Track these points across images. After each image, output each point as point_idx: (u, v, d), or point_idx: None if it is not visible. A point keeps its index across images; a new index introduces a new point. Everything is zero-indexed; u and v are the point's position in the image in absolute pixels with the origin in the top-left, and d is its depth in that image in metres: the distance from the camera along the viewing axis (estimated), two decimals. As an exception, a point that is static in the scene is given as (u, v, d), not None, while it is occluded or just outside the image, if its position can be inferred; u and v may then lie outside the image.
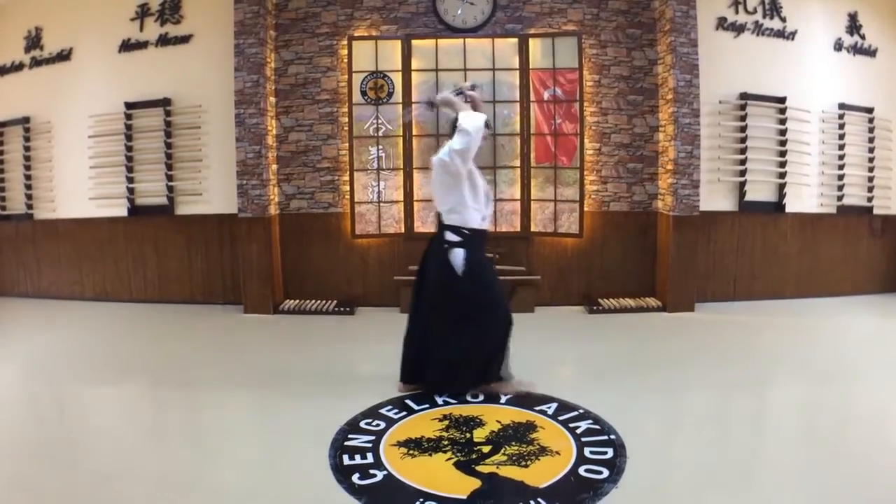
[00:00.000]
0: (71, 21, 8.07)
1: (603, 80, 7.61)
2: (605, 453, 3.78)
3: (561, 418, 4.33)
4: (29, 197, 8.35)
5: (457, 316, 4.62)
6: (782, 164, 7.70)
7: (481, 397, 4.73)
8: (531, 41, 7.55)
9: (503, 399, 4.68)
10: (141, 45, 7.88)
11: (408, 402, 4.65)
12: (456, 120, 4.60)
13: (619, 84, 7.61)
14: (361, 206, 7.69)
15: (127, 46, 7.90)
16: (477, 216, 4.66)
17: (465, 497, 3.30)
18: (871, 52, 8.07)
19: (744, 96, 7.59)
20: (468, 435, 4.08)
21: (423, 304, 4.80)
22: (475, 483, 3.44)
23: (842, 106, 7.92)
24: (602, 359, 5.81)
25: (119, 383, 5.30)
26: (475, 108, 4.76)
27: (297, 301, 7.75)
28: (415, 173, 7.63)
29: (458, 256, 4.57)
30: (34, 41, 8.26)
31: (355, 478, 3.51)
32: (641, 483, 3.45)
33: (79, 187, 8.09)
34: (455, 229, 4.62)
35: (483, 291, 4.67)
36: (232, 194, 7.57)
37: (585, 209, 7.56)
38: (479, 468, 3.62)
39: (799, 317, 7.24)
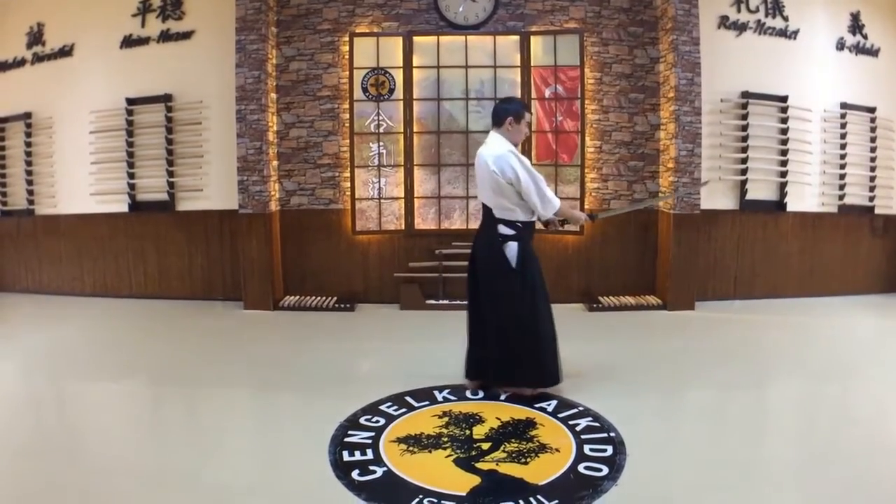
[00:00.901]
0: (72, 17, 8.06)
1: (604, 77, 7.60)
2: (605, 451, 3.79)
3: (561, 416, 4.33)
4: (30, 193, 8.34)
5: (513, 308, 4.60)
6: (783, 163, 7.69)
7: (481, 394, 4.74)
8: (533, 38, 7.54)
9: (503, 396, 4.68)
10: (142, 41, 7.88)
11: (407, 398, 4.66)
12: (502, 108, 4.69)
13: (620, 82, 7.61)
14: (362, 203, 7.69)
15: (128, 42, 7.89)
16: (527, 210, 4.65)
17: (464, 494, 3.31)
18: (873, 52, 8.06)
19: (745, 95, 7.57)
20: (468, 432, 4.09)
21: (481, 301, 4.75)
22: (475, 480, 3.45)
23: (843, 105, 7.90)
24: (602, 356, 5.81)
25: (118, 379, 5.30)
26: (574, 221, 5.05)
27: (298, 297, 7.75)
28: (415, 170, 7.63)
29: (512, 249, 4.58)
30: (36, 37, 8.25)
31: (355, 474, 3.52)
32: (641, 480, 3.46)
33: (80, 183, 8.09)
34: (509, 223, 4.61)
35: (537, 282, 4.67)
36: (232, 190, 7.56)
37: (586, 207, 7.55)
38: (479, 465, 3.63)
39: (799, 316, 7.24)
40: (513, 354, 4.63)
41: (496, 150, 4.56)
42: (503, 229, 4.61)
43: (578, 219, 5.04)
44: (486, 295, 4.70)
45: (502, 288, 4.62)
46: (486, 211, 4.72)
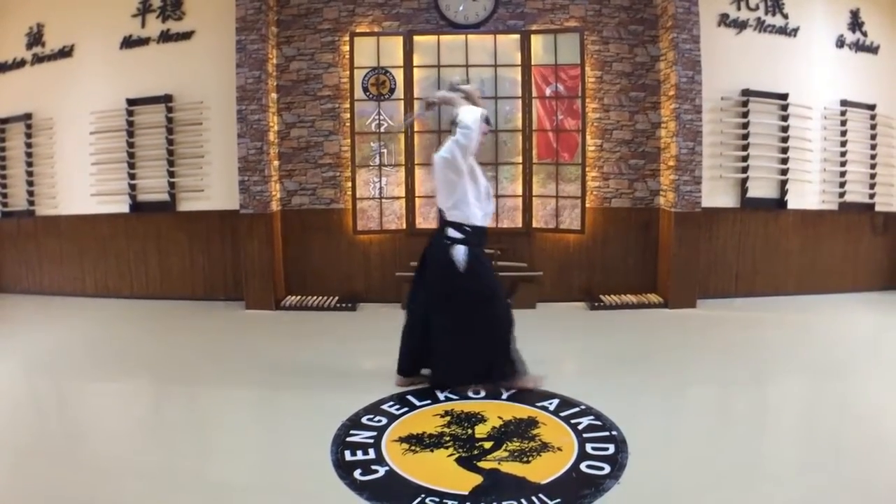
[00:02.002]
0: (72, 18, 8.06)
1: (605, 76, 7.60)
2: (607, 449, 3.79)
3: (562, 414, 4.33)
4: (31, 193, 8.34)
5: (459, 311, 4.66)
6: (784, 161, 7.69)
7: (483, 393, 4.74)
8: (533, 37, 7.54)
9: (505, 395, 4.69)
10: (142, 42, 7.87)
11: (409, 398, 4.66)
12: (456, 116, 4.65)
13: (621, 80, 7.61)
14: (363, 202, 7.69)
15: (128, 43, 7.89)
16: (479, 213, 4.71)
17: (466, 493, 3.31)
18: (873, 49, 8.06)
19: (746, 93, 7.57)
20: (470, 431, 4.09)
21: (423, 299, 4.83)
22: (477, 479, 3.45)
23: (844, 103, 7.90)
24: (603, 355, 5.82)
25: (120, 379, 5.31)
26: (473, 103, 4.78)
27: (299, 297, 7.75)
28: (416, 169, 7.63)
29: (459, 253, 4.60)
30: (36, 38, 8.25)
31: (357, 474, 3.52)
32: (643, 479, 3.46)
33: (80, 184, 8.09)
34: (457, 226, 4.66)
35: (485, 286, 4.74)
36: (233, 191, 7.57)
37: (587, 205, 7.56)
38: (481, 464, 3.63)
39: (800, 313, 7.24)
40: (455, 354, 4.73)
41: (437, 153, 4.66)
42: (452, 233, 4.67)
43: (451, 98, 4.84)
44: (432, 296, 4.76)
45: (446, 290, 4.68)
46: (439, 214, 4.81)
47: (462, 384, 4.78)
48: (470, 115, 4.56)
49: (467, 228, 4.66)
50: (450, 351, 4.72)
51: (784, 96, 7.65)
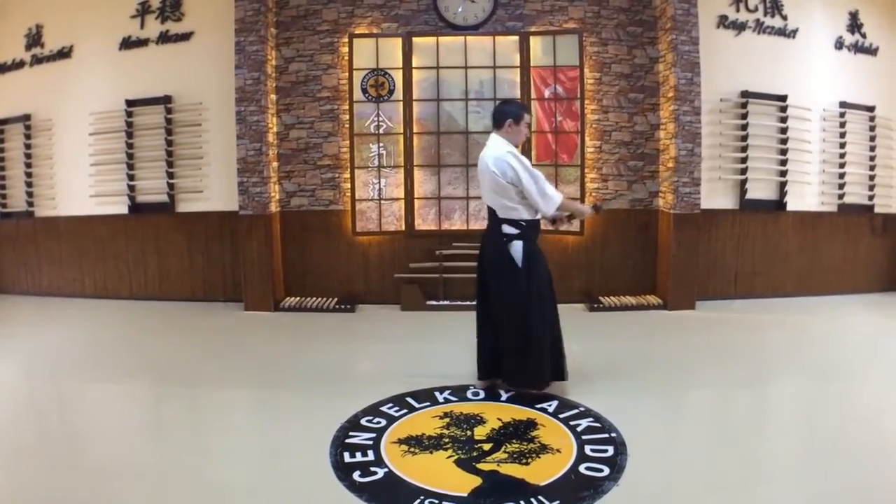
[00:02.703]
0: (71, 19, 8.06)
1: (604, 77, 7.60)
2: (606, 451, 3.79)
3: (561, 416, 4.34)
4: (30, 195, 8.34)
5: (523, 305, 4.62)
6: (783, 163, 7.69)
7: (482, 395, 4.74)
8: (532, 39, 7.54)
9: (504, 396, 4.69)
10: (142, 43, 7.87)
11: (408, 399, 4.66)
12: (502, 109, 4.76)
13: (619, 82, 7.61)
14: (362, 204, 7.69)
15: (127, 44, 7.89)
16: (531, 209, 4.68)
17: (465, 495, 3.31)
18: (871, 51, 8.06)
19: (745, 94, 7.58)
20: (469, 433, 4.09)
21: (490, 300, 4.79)
22: (476, 481, 3.45)
23: (843, 104, 7.90)
24: (603, 356, 5.81)
25: (119, 381, 5.30)
26: (578, 214, 5.16)
27: (298, 298, 7.75)
28: (415, 171, 7.63)
29: (517, 248, 4.61)
30: (35, 39, 8.25)
31: (356, 475, 3.52)
32: (642, 481, 3.46)
33: (79, 185, 8.09)
34: (513, 222, 4.65)
35: (545, 279, 4.74)
36: (233, 192, 7.57)
37: (587, 200, 7.55)
38: (480, 466, 3.63)
39: (799, 315, 7.24)
40: (518, 353, 4.66)
41: (496, 151, 4.61)
42: (507, 229, 4.65)
43: (583, 212, 5.13)
44: (496, 295, 4.72)
45: (509, 287, 4.64)
46: (491, 212, 4.76)
47: (535, 379, 4.74)
48: (555, 200, 4.66)
49: (522, 223, 4.65)
50: (520, 345, 4.65)
51: (783, 98, 7.66)
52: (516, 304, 4.63)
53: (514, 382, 4.79)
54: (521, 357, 4.66)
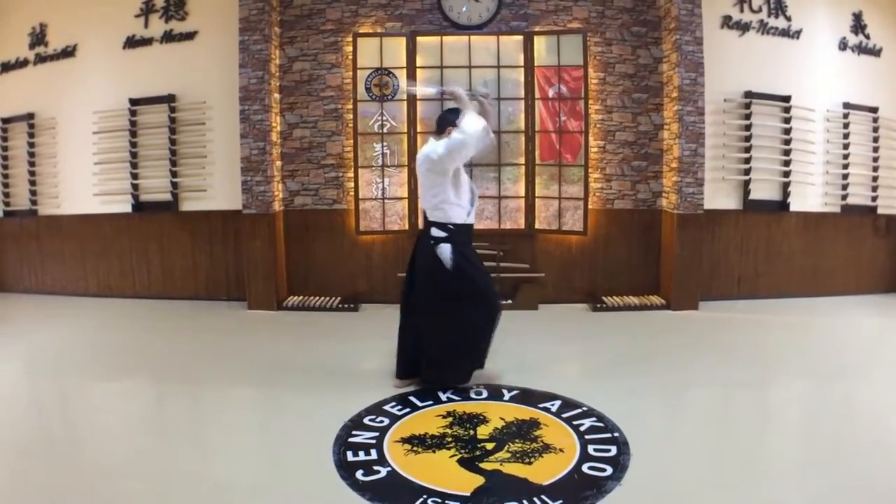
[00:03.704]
0: (75, 17, 8.07)
1: (608, 77, 7.60)
2: (609, 451, 3.79)
3: (565, 416, 4.34)
4: (33, 193, 8.35)
5: (446, 309, 4.68)
6: (787, 163, 7.68)
7: (485, 394, 4.75)
8: (536, 38, 7.54)
9: (507, 396, 4.69)
10: (146, 42, 7.88)
11: (411, 398, 4.67)
12: (444, 117, 4.76)
13: (623, 82, 7.61)
14: (366, 203, 7.69)
15: (131, 43, 7.90)
16: (461, 212, 4.74)
17: (468, 494, 3.31)
18: (875, 52, 8.05)
19: (748, 95, 7.57)
20: (472, 432, 4.09)
21: (414, 300, 4.86)
22: (479, 480, 3.46)
23: (846, 105, 7.90)
24: (606, 356, 5.82)
25: (122, 379, 5.31)
26: (483, 114, 4.80)
27: (301, 297, 7.75)
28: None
29: (445, 251, 4.64)
30: (39, 37, 8.26)
31: (359, 474, 3.53)
32: (645, 480, 3.46)
33: (83, 183, 8.11)
34: (441, 225, 4.70)
35: (470, 283, 4.73)
36: (236, 191, 7.57)
37: (590, 207, 7.55)
38: (483, 465, 3.63)
39: (802, 315, 7.23)
40: (440, 353, 4.76)
41: (420, 153, 4.77)
42: (436, 232, 4.70)
43: (464, 101, 4.83)
44: (424, 296, 4.78)
45: (436, 288, 4.70)
46: (423, 215, 4.85)
47: (455, 382, 4.84)
48: (473, 124, 4.57)
49: (451, 227, 4.69)
50: (440, 349, 4.75)
51: (787, 98, 7.65)
52: (440, 307, 4.70)
53: (434, 385, 4.87)
54: (441, 360, 4.78)
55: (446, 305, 4.68)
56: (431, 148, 4.63)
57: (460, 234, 4.73)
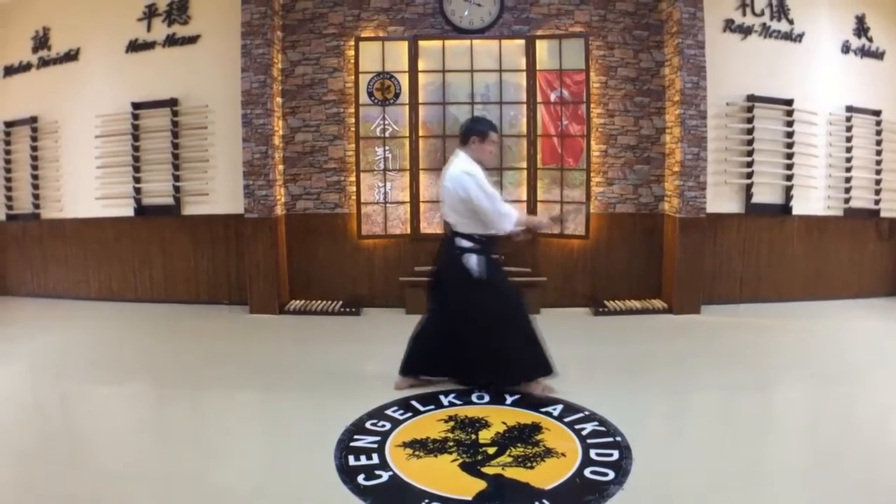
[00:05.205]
0: (78, 21, 8.10)
1: (610, 81, 7.60)
2: (611, 455, 3.78)
3: (567, 420, 4.33)
4: (36, 197, 8.37)
5: (487, 319, 4.72)
6: (789, 167, 7.68)
7: (486, 398, 4.74)
8: (538, 42, 7.55)
9: (508, 400, 4.69)
10: (148, 46, 7.90)
11: (413, 402, 4.66)
12: (470, 127, 4.84)
13: (625, 86, 7.61)
14: (368, 207, 7.70)
15: (134, 47, 7.92)
16: (486, 226, 4.72)
17: (470, 498, 3.30)
18: (878, 55, 8.05)
19: (751, 98, 7.57)
20: (474, 436, 4.08)
21: (443, 307, 4.88)
22: (481, 484, 3.44)
23: (849, 108, 7.89)
24: (608, 360, 5.81)
25: (124, 383, 5.31)
26: (532, 228, 5.15)
27: (303, 301, 7.76)
28: (421, 174, 7.63)
29: (472, 261, 4.67)
30: (41, 41, 8.28)
31: (361, 478, 3.51)
32: (647, 485, 3.45)
33: (85, 187, 8.12)
34: (467, 236, 4.71)
35: (504, 292, 4.83)
36: (238, 195, 7.58)
37: (591, 210, 7.56)
38: (485, 469, 3.62)
39: (805, 319, 7.22)
40: (482, 357, 4.78)
41: (454, 170, 4.70)
42: (462, 242, 4.72)
43: (540, 224, 5.29)
44: (454, 303, 4.80)
45: (466, 297, 4.73)
46: (447, 225, 4.88)
47: (509, 385, 4.85)
48: (511, 218, 4.67)
49: (477, 237, 4.70)
50: (490, 356, 4.77)
51: (789, 102, 7.64)
52: (475, 312, 4.73)
53: (481, 384, 4.91)
54: (496, 366, 4.79)
55: (485, 316, 4.71)
56: (471, 184, 4.57)
57: (488, 244, 4.76)
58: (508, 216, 4.65)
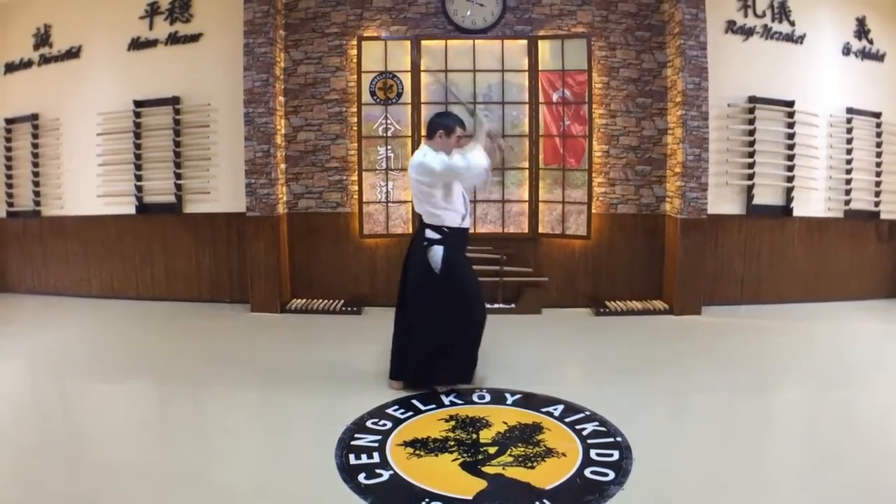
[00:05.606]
0: (80, 19, 8.09)
1: (612, 82, 7.60)
2: (611, 455, 3.79)
3: (567, 420, 4.34)
4: (37, 194, 8.37)
5: (433, 311, 4.75)
6: (790, 168, 7.68)
7: (487, 398, 4.75)
8: (540, 43, 7.55)
9: (510, 400, 4.70)
10: (150, 44, 7.89)
11: (414, 402, 4.67)
12: (435, 121, 4.85)
13: (627, 86, 7.61)
14: (369, 206, 7.71)
15: (136, 45, 7.92)
16: (455, 216, 4.79)
17: (470, 498, 3.32)
18: (878, 57, 8.05)
19: (752, 100, 7.57)
20: (474, 436, 4.10)
21: (407, 300, 4.92)
22: (481, 484, 3.46)
23: (850, 110, 7.89)
24: (609, 361, 5.82)
25: (125, 381, 5.33)
26: (490, 152, 4.93)
27: (305, 300, 7.76)
28: (422, 174, 7.62)
29: (436, 254, 4.70)
30: (43, 38, 8.28)
31: (361, 477, 3.53)
32: (647, 485, 3.46)
33: (87, 185, 8.12)
34: (435, 228, 4.74)
35: (458, 288, 4.79)
36: (240, 193, 7.58)
37: (593, 211, 7.56)
38: (485, 469, 3.63)
39: (805, 321, 7.23)
40: (432, 353, 4.81)
41: (413, 159, 4.78)
42: (429, 233, 4.75)
43: (480, 137, 4.91)
44: (412, 296, 4.85)
45: (424, 290, 4.77)
46: (418, 217, 4.91)
47: (432, 384, 4.87)
48: (479, 160, 4.65)
49: (445, 230, 4.74)
50: (424, 350, 4.81)
51: (790, 103, 7.65)
52: (429, 307, 4.76)
53: (414, 385, 4.92)
54: (422, 360, 4.83)
55: (432, 308, 4.74)
56: (428, 159, 4.65)
57: (455, 238, 4.78)
58: (476, 159, 4.63)
